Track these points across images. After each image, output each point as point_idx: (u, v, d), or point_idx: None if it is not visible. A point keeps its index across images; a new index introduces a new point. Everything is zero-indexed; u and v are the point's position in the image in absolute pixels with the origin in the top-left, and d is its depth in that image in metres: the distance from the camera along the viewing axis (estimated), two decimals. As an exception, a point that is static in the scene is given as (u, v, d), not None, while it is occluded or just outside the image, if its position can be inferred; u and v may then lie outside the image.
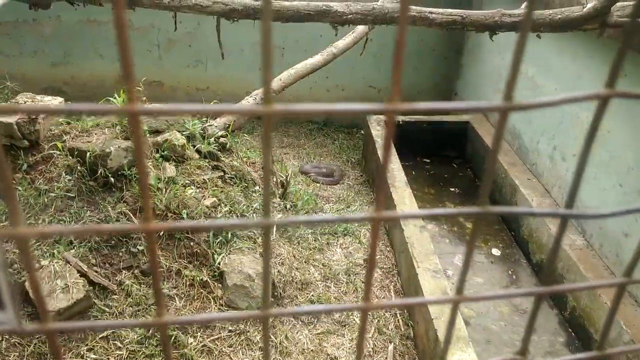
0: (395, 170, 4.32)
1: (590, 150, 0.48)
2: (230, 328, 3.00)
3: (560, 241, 0.52)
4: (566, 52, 3.98)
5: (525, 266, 4.08)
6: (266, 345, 0.53)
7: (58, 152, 3.24)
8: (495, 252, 4.20)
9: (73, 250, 2.98)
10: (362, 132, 5.71)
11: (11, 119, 3.20)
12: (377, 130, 4.93)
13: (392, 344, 3.20)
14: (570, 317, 3.52)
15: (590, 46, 3.68)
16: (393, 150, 4.58)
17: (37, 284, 0.40)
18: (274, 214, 3.68)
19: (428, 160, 5.41)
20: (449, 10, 2.94)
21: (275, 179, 3.98)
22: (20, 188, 3.10)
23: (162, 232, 3.12)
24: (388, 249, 4.00)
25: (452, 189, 4.99)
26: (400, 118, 5.23)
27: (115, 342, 2.77)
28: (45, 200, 3.10)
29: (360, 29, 4.19)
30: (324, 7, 2.94)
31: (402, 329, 3.30)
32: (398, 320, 3.36)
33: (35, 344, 2.68)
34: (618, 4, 2.82)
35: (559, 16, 2.86)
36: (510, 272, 4.01)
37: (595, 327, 3.28)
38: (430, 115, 5.44)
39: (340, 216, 0.45)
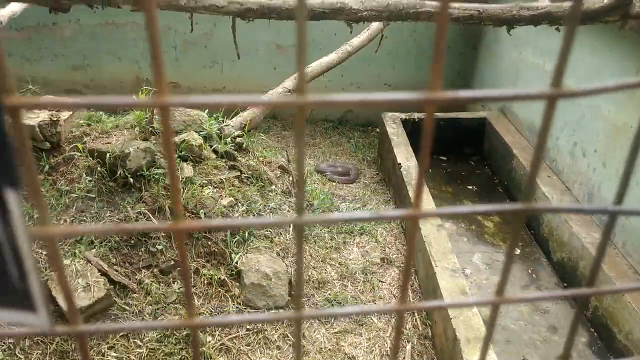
0: (412, 169, 4.30)
1: None
2: (248, 327, 3.01)
3: (608, 239, 0.50)
4: (585, 46, 3.92)
5: (545, 265, 4.02)
6: (298, 347, 0.52)
7: (79, 154, 3.29)
8: (515, 250, 4.15)
9: (94, 250, 3.02)
10: (378, 130, 5.69)
11: (33, 122, 3.25)
12: (393, 128, 4.91)
13: (410, 343, 3.18)
14: (593, 317, 3.46)
15: (610, 39, 3.61)
16: (409, 149, 4.56)
17: (67, 286, 0.41)
18: (290, 212, 3.68)
19: (445, 158, 5.37)
20: (466, 5, 2.91)
21: (291, 178, 3.99)
22: (42, 189, 3.15)
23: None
24: (405, 247, 3.98)
25: (470, 187, 4.94)
26: (416, 115, 5.20)
27: (135, 340, 2.80)
28: (67, 200, 3.15)
29: (375, 25, 4.17)
30: (338, 5, 2.93)
31: (420, 329, 3.28)
32: (416, 319, 3.34)
33: (57, 342, 2.72)
34: (639, -4, 2.77)
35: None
36: (530, 271, 3.96)
37: (618, 326, 3.23)
38: (451, 110, 5.40)
39: (375, 213, 0.44)
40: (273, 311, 3.12)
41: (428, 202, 3.92)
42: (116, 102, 0.40)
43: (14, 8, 3.51)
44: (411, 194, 3.98)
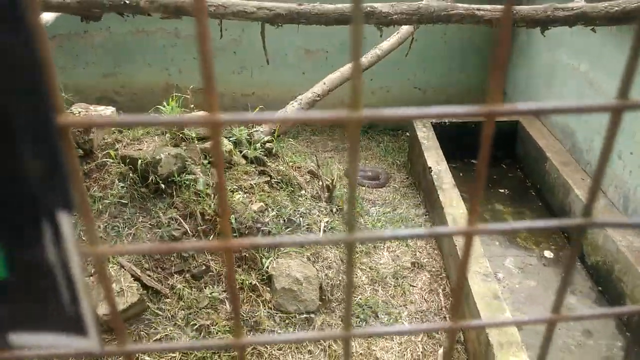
0: (442, 172, 4.25)
1: None
2: (279, 331, 3.01)
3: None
4: (623, 46, 3.82)
5: (579, 269, 3.92)
6: None
7: (111, 160, 3.34)
8: (548, 254, 4.07)
9: (127, 255, 3.06)
10: (408, 134, 5.65)
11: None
12: (423, 132, 4.87)
13: (442, 347, 3.13)
14: (629, 322, 3.36)
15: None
16: (440, 153, 4.51)
17: (114, 306, 0.40)
18: (320, 217, 3.68)
19: (475, 162, 5.29)
20: (498, 7, 2.87)
21: (320, 183, 3.98)
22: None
23: (211, 237, 3.17)
24: (436, 252, 3.94)
25: (502, 190, 4.86)
26: (447, 119, 5.14)
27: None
28: (100, 207, 3.20)
29: (405, 29, 4.15)
30: (368, 8, 2.92)
31: (453, 334, 3.23)
32: (448, 324, 3.29)
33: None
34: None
35: (616, 8, 2.74)
36: (563, 275, 3.87)
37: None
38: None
39: (430, 230, 0.43)
40: (304, 316, 3.11)
41: (459, 206, 3.86)
42: (167, 121, 0.39)
43: (47, 17, 3.60)
44: (442, 198, 3.94)
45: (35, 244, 0.32)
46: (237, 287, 3.09)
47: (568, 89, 4.65)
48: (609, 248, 3.59)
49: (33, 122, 0.30)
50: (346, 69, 4.14)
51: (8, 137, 0.30)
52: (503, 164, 5.30)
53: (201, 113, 3.70)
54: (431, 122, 5.04)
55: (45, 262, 0.33)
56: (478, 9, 2.78)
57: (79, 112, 3.59)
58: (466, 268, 0.47)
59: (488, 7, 2.84)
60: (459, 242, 3.47)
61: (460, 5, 2.84)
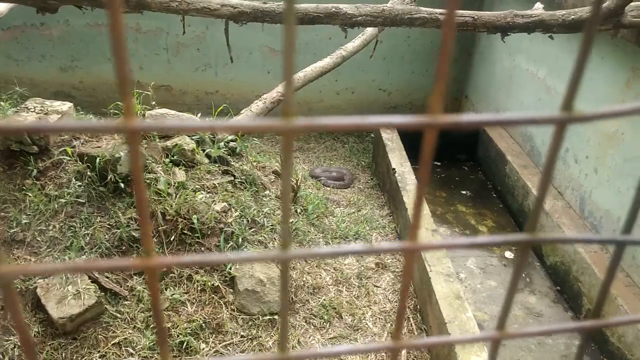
0: (406, 174, 4.28)
1: None
2: (242, 333, 2.97)
3: (616, 269, 0.48)
4: (577, 54, 3.93)
5: (539, 269, 4.02)
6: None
7: (68, 158, 3.23)
8: (509, 254, 4.16)
9: (84, 256, 2.96)
10: (372, 135, 5.68)
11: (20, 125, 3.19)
12: (387, 134, 4.90)
13: (405, 348, 3.16)
14: (586, 319, 3.46)
15: (603, 47, 3.63)
16: (403, 154, 4.55)
17: (26, 333, 0.37)
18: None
19: (439, 163, 5.37)
20: (460, 12, 2.91)
21: (285, 183, 3.95)
22: (30, 194, 3.09)
23: (172, 237, 3.11)
24: (399, 252, 3.96)
25: (464, 192, 4.94)
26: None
27: (128, 348, 2.75)
28: (56, 206, 3.09)
29: (370, 31, 4.16)
30: (333, 9, 2.91)
31: (415, 333, 3.26)
32: (411, 324, 3.32)
33: (47, 351, 2.67)
34: (632, 4, 2.78)
35: (572, 17, 2.82)
36: (523, 275, 3.96)
37: (611, 330, 3.23)
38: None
39: (369, 246, 0.41)
40: (268, 317, 3.08)
41: (423, 207, 3.90)
42: (78, 126, 0.36)
43: (1, 8, 3.46)
44: (406, 199, 3.97)
45: None
46: (200, 288, 3.04)
47: (527, 93, 4.77)
48: (567, 249, 3.69)
49: None
50: (311, 69, 4.13)
51: None
52: (465, 166, 5.39)
53: (163, 110, 3.62)
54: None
55: None
56: (441, 14, 2.80)
57: (34, 107, 3.46)
58: (408, 284, 0.46)
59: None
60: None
61: (423, 9, 2.87)
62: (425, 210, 3.87)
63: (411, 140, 4.84)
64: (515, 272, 0.48)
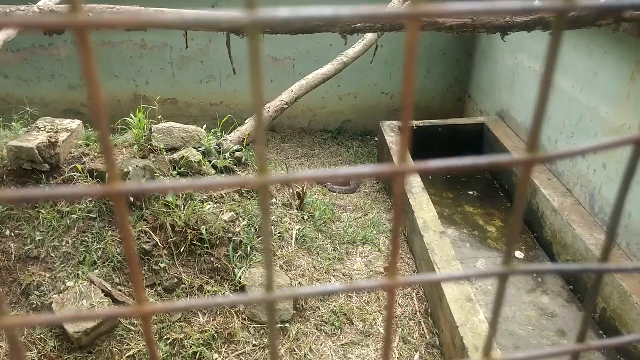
0: (412, 176, 4.29)
1: (628, 191, 0.45)
2: (254, 342, 2.99)
3: (596, 296, 0.48)
4: (581, 49, 3.93)
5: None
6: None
7: (78, 175, 3.28)
8: (519, 254, 4.14)
9: (97, 271, 3.00)
10: (377, 139, 5.69)
11: (32, 144, 3.26)
12: (391, 137, 4.91)
13: (418, 352, 3.16)
14: (601, 320, 3.44)
15: (606, 42, 3.63)
16: (409, 157, 4.56)
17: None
18: (291, 225, 3.67)
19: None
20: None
21: (291, 191, 3.98)
22: (43, 211, 3.15)
23: (182, 249, 3.14)
24: (409, 256, 3.97)
25: (470, 192, 4.94)
26: (415, 123, 5.21)
27: (141, 360, 2.79)
28: (68, 222, 3.14)
29: (370, 36, 4.19)
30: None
31: (428, 338, 3.26)
32: (423, 328, 3.32)
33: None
34: (631, -2, 2.78)
35: (572, 13, 2.83)
36: (535, 274, 3.95)
37: (627, 328, 3.21)
38: (447, 124, 5.41)
39: (350, 285, 0.43)
40: (279, 325, 3.10)
41: (429, 209, 3.91)
42: (64, 193, 0.38)
43: (9, 31, 3.52)
44: (412, 202, 3.98)
45: None
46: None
47: (530, 91, 4.77)
48: (578, 247, 3.68)
49: None
50: (313, 76, 4.16)
51: None
52: (472, 166, 5.38)
53: (169, 124, 3.67)
54: (399, 127, 5.09)
55: None
56: (439, 16, 2.82)
57: (45, 127, 3.52)
58: (391, 318, 0.47)
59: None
60: (431, 245, 3.51)
61: (423, 12, 2.89)
62: (433, 212, 3.87)
63: (416, 142, 4.85)
64: (497, 301, 0.49)
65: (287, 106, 4.09)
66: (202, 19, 0.30)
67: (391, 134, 4.97)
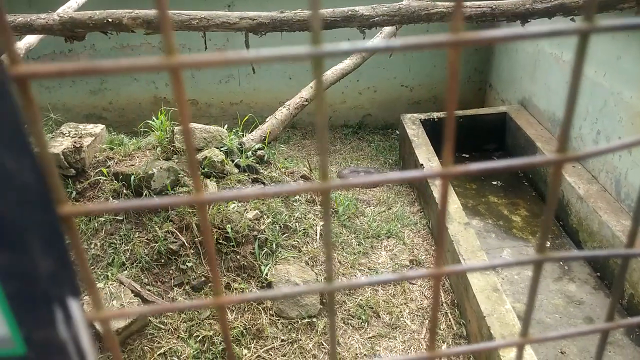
0: (434, 169, 4.27)
1: None
2: (282, 337, 3.02)
3: (623, 281, 0.49)
4: (603, 33, 3.86)
5: (577, 256, 3.96)
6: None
7: (104, 178, 3.35)
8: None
9: (126, 272, 3.06)
10: (398, 132, 5.68)
11: (57, 149, 3.33)
12: (413, 130, 4.89)
13: (445, 343, 3.16)
14: (629, 305, 3.40)
15: (628, 24, 3.55)
16: (430, 149, 4.54)
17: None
18: (315, 221, 3.69)
19: (467, 156, 5.33)
20: (477, 2, 2.90)
21: (314, 187, 4.00)
22: (71, 215, 3.22)
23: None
24: (433, 248, 3.96)
25: (494, 182, 4.90)
26: (435, 115, 5.18)
27: (173, 357, 2.84)
28: (96, 224, 3.21)
29: (388, 29, 4.17)
30: (349, 12, 2.95)
31: (455, 328, 3.25)
32: (449, 319, 3.31)
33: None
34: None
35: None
36: (561, 262, 3.90)
37: (657, 314, 3.16)
38: (470, 107, 5.36)
39: (400, 274, 0.44)
40: (306, 320, 3.12)
41: (453, 201, 3.89)
42: (154, 204, 0.40)
43: (30, 40, 3.60)
44: (435, 194, 3.96)
45: (50, 325, 0.39)
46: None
47: (552, 77, 4.70)
48: (605, 234, 3.62)
49: (42, 230, 0.35)
50: (332, 72, 4.17)
51: (22, 243, 0.35)
52: (494, 156, 5.33)
53: (190, 125, 3.71)
54: (420, 119, 5.07)
55: (58, 339, 0.39)
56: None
57: (69, 132, 3.60)
58: (437, 307, 0.48)
59: (468, 3, 2.87)
60: (456, 237, 3.49)
61: (440, 3, 2.87)
62: (457, 204, 3.85)
63: (437, 134, 4.83)
64: (532, 288, 0.50)
65: (307, 103, 4.10)
66: (273, 55, 0.33)
67: (412, 127, 4.94)
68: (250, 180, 3.60)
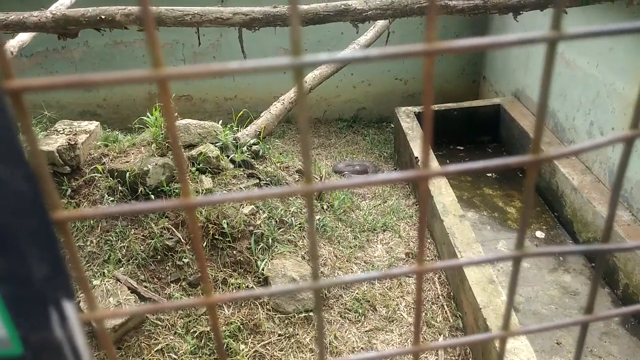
0: (429, 161, 4.28)
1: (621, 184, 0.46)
2: (279, 332, 3.04)
3: (599, 278, 0.51)
4: (595, 25, 3.87)
5: (571, 247, 3.98)
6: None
7: (99, 175, 3.34)
8: (540, 234, 4.13)
9: (122, 268, 3.07)
10: (392, 125, 5.68)
11: (52, 147, 3.32)
12: (407, 123, 4.90)
13: (442, 336, 3.18)
14: (623, 295, 3.43)
15: (620, 16, 3.57)
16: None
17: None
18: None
19: (461, 148, 5.34)
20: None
21: (310, 181, 4.01)
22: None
23: (205, 243, 3.19)
24: (429, 240, 3.98)
25: (489, 175, 4.92)
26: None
27: (170, 354, 2.85)
28: (91, 222, 3.21)
29: (381, 23, 4.17)
30: (342, 7, 2.94)
31: (451, 320, 3.27)
32: (446, 311, 3.34)
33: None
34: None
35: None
36: (556, 254, 3.93)
37: (651, 303, 3.19)
38: (464, 107, 5.37)
39: (383, 272, 0.45)
40: (303, 314, 3.14)
41: (447, 193, 3.90)
42: (144, 208, 0.40)
43: (23, 37, 3.58)
44: (431, 186, 3.98)
45: (45, 326, 0.40)
46: (234, 291, 3.11)
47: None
48: (599, 224, 3.65)
49: (36, 236, 0.37)
50: (324, 66, 4.16)
51: (16, 249, 0.37)
52: (488, 148, 5.35)
53: (185, 121, 3.71)
54: (414, 112, 5.08)
55: (54, 340, 0.41)
56: (451, 0, 2.81)
57: (64, 129, 3.59)
58: (420, 303, 0.49)
59: (460, -4, 2.87)
60: (451, 229, 3.51)
61: (433, -4, 2.87)
62: (452, 196, 3.87)
63: (432, 127, 4.83)
64: (512, 282, 0.51)
65: (300, 97, 4.09)
66: (259, 66, 0.35)
67: (407, 120, 4.95)
68: (245, 175, 3.61)
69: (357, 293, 3.41)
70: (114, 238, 3.18)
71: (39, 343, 0.40)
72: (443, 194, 3.90)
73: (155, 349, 2.86)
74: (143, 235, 3.20)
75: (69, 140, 3.42)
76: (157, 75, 0.33)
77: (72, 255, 0.39)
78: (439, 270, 3.68)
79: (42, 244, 0.37)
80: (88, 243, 3.17)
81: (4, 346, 0.40)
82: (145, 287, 3.07)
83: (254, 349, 2.93)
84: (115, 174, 3.33)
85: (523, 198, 0.43)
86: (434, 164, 4.25)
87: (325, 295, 3.32)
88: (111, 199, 3.26)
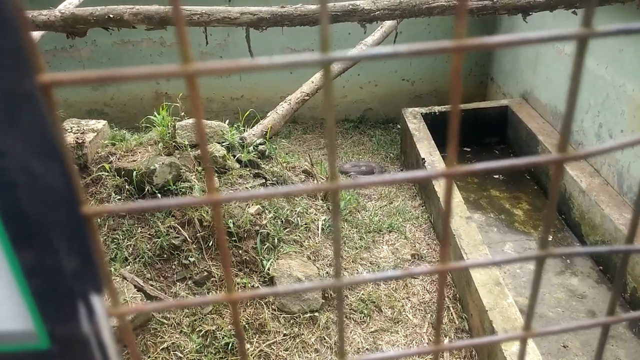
0: (436, 162, 4.28)
1: None
2: (285, 332, 3.04)
3: (624, 278, 0.50)
4: (604, 25, 3.85)
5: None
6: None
7: (106, 174, 3.35)
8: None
9: (129, 267, 3.07)
10: (399, 126, 5.67)
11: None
12: (414, 124, 4.89)
13: (448, 337, 3.17)
14: (632, 299, 3.40)
15: (630, 17, 3.55)
16: (432, 143, 4.54)
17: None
18: (317, 215, 3.70)
19: (468, 149, 5.33)
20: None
21: (315, 181, 4.01)
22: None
23: (210, 242, 3.19)
24: (435, 242, 3.97)
25: (496, 176, 4.90)
26: (436, 108, 5.17)
27: (176, 352, 2.85)
28: (99, 220, 3.21)
29: (389, 23, 4.16)
30: (350, 7, 2.94)
31: (457, 322, 3.26)
32: (452, 313, 3.33)
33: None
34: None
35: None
36: (564, 256, 3.91)
37: (659, 307, 3.17)
38: (469, 108, 5.36)
39: (405, 271, 0.45)
40: (308, 315, 3.14)
41: (454, 195, 3.89)
42: (171, 204, 0.40)
43: (32, 36, 3.59)
44: (437, 188, 3.97)
45: (73, 320, 0.40)
46: (240, 290, 3.11)
47: (554, 71, 4.69)
48: (607, 227, 3.63)
49: (67, 230, 0.37)
50: (335, 65, 4.16)
51: (47, 242, 0.37)
52: (495, 149, 5.33)
53: (192, 120, 3.71)
54: (421, 113, 5.07)
55: (81, 334, 0.41)
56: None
57: (71, 128, 3.60)
58: (442, 303, 0.49)
59: (469, -3, 2.86)
60: (458, 231, 3.50)
61: (441, -3, 2.86)
62: (458, 197, 3.86)
63: (439, 128, 4.83)
64: (535, 281, 0.50)
65: (308, 97, 4.10)
66: (288, 62, 0.34)
67: (413, 121, 4.94)
68: (252, 175, 3.61)
69: (362, 294, 3.40)
70: (121, 236, 3.19)
71: (66, 337, 0.41)
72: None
73: (160, 347, 2.87)
74: (149, 234, 3.21)
75: (77, 138, 3.43)
76: (186, 70, 0.33)
77: (98, 250, 0.39)
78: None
79: (74, 237, 0.37)
80: (95, 241, 3.18)
81: (30, 340, 0.41)
82: (152, 285, 3.08)
83: (259, 349, 2.93)
84: (122, 172, 3.34)
85: (549, 197, 0.42)
86: (441, 166, 4.24)
87: (331, 295, 3.32)
88: (118, 197, 3.27)
